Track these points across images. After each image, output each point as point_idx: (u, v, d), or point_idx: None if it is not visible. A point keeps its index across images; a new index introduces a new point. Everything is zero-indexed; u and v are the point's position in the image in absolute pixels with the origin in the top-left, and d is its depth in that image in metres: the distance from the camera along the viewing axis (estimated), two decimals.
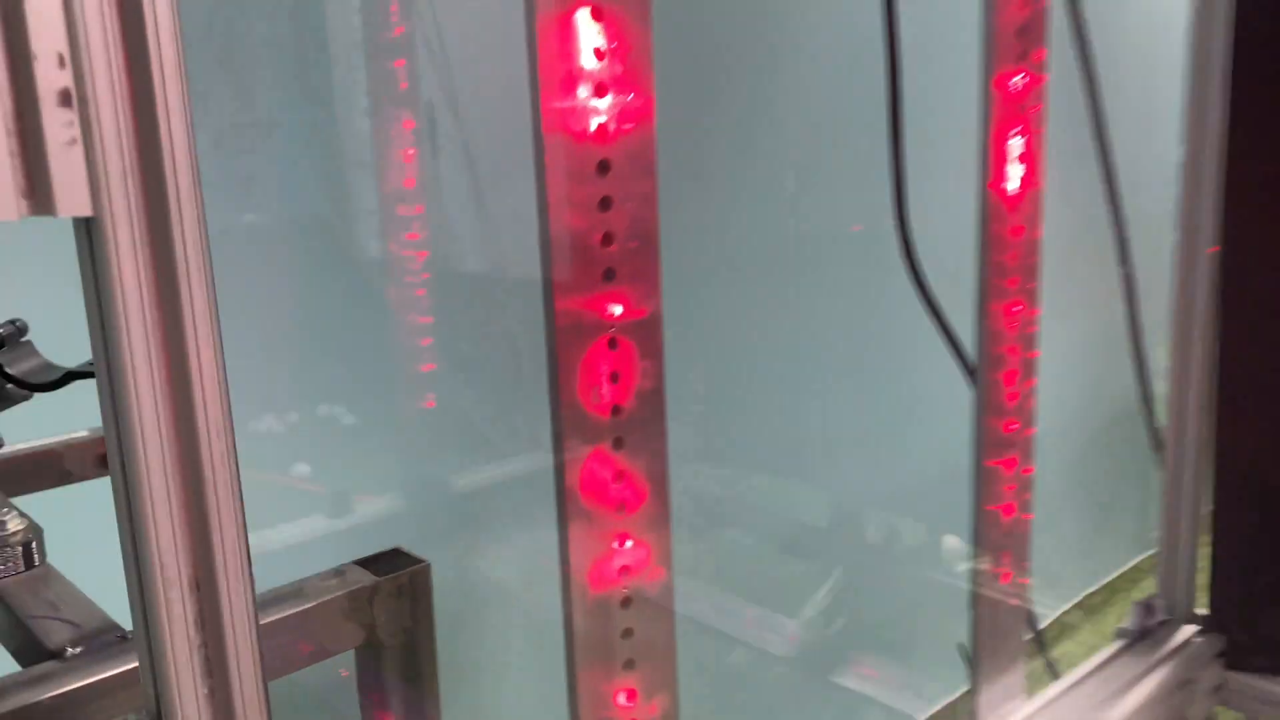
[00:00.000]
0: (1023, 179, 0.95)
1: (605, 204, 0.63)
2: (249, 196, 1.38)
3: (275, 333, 1.38)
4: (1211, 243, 1.16)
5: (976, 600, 1.03)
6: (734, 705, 1.61)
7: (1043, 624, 2.14)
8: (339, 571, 0.74)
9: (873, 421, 1.77)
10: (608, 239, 0.63)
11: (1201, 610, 1.23)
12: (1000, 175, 0.93)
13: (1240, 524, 1.20)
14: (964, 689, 1.88)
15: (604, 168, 0.62)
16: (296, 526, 1.42)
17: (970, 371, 0.99)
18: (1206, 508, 1.24)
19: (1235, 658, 1.21)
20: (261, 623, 0.70)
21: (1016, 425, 1.00)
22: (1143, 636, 1.19)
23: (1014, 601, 1.04)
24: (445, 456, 1.68)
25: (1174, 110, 1.19)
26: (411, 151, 1.52)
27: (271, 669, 0.71)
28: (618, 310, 0.65)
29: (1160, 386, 1.46)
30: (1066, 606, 2.39)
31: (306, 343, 1.45)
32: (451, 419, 1.65)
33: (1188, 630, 1.20)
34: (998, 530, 1.01)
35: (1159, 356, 1.74)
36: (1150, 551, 2.53)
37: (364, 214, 1.58)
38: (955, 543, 1.87)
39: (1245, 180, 1.15)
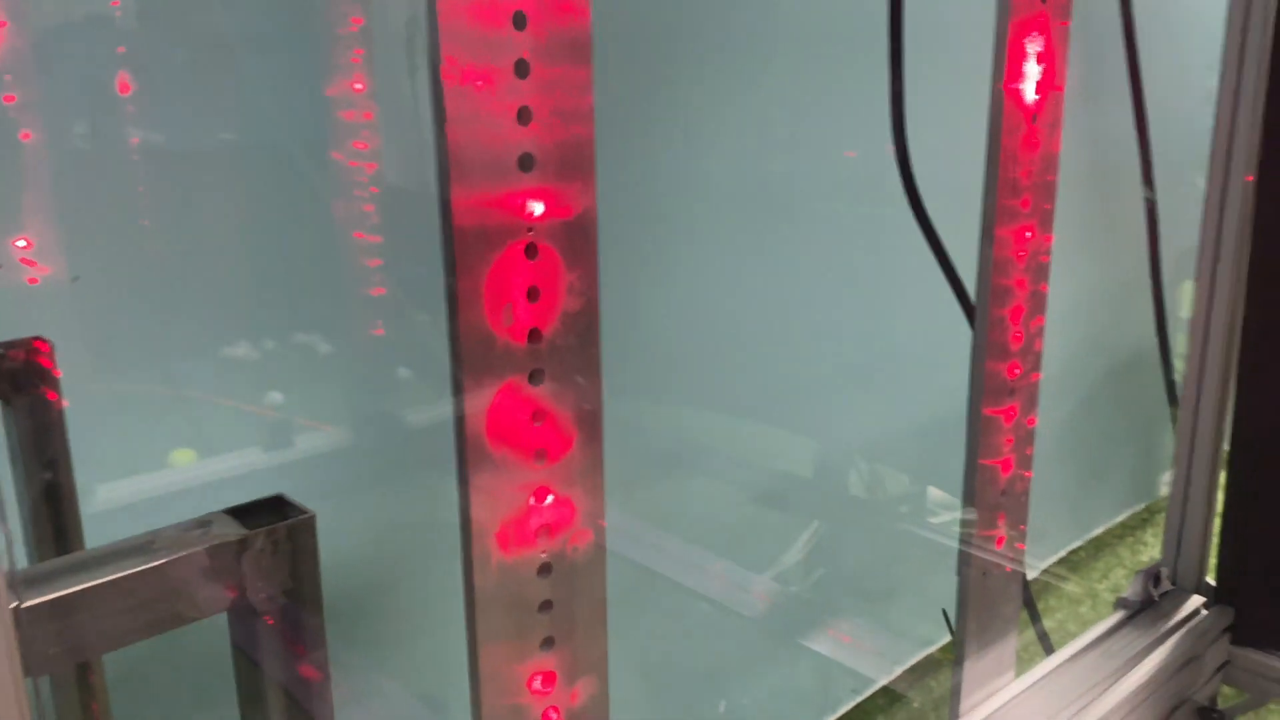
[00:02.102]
0: (1040, 82, 0.82)
1: (521, 69, 0.49)
2: (218, 104, 1.24)
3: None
4: (1247, 171, 1.03)
5: (965, 564, 0.91)
6: (697, 667, 1.51)
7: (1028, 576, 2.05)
8: (203, 522, 0.61)
9: (867, 363, 1.65)
10: (524, 115, 0.50)
11: (1211, 580, 1.12)
12: (1016, 74, 0.79)
13: (1257, 487, 1.09)
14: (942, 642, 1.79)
15: (519, 20, 0.49)
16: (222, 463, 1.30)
17: (970, 307, 0.86)
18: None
19: (1244, 632, 1.10)
20: (99, 581, 0.57)
21: (1020, 370, 0.87)
22: (1145, 607, 1.08)
23: (1008, 568, 0.93)
24: (399, 388, 1.56)
25: (1212, 30, 1.05)
26: (360, 51, 1.36)
27: (111, 637, 0.59)
28: (538, 209, 0.52)
29: (1177, 337, 1.34)
30: (1052, 561, 2.30)
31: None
32: (405, 347, 1.53)
33: (1195, 601, 1.09)
34: (994, 488, 0.89)
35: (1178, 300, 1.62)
36: (1140, 505, 2.44)
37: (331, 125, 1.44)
38: (942, 496, 1.77)
39: None
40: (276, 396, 1.36)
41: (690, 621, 1.53)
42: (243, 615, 0.62)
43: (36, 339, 0.94)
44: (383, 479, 1.43)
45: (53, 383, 0.95)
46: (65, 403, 0.94)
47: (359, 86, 1.41)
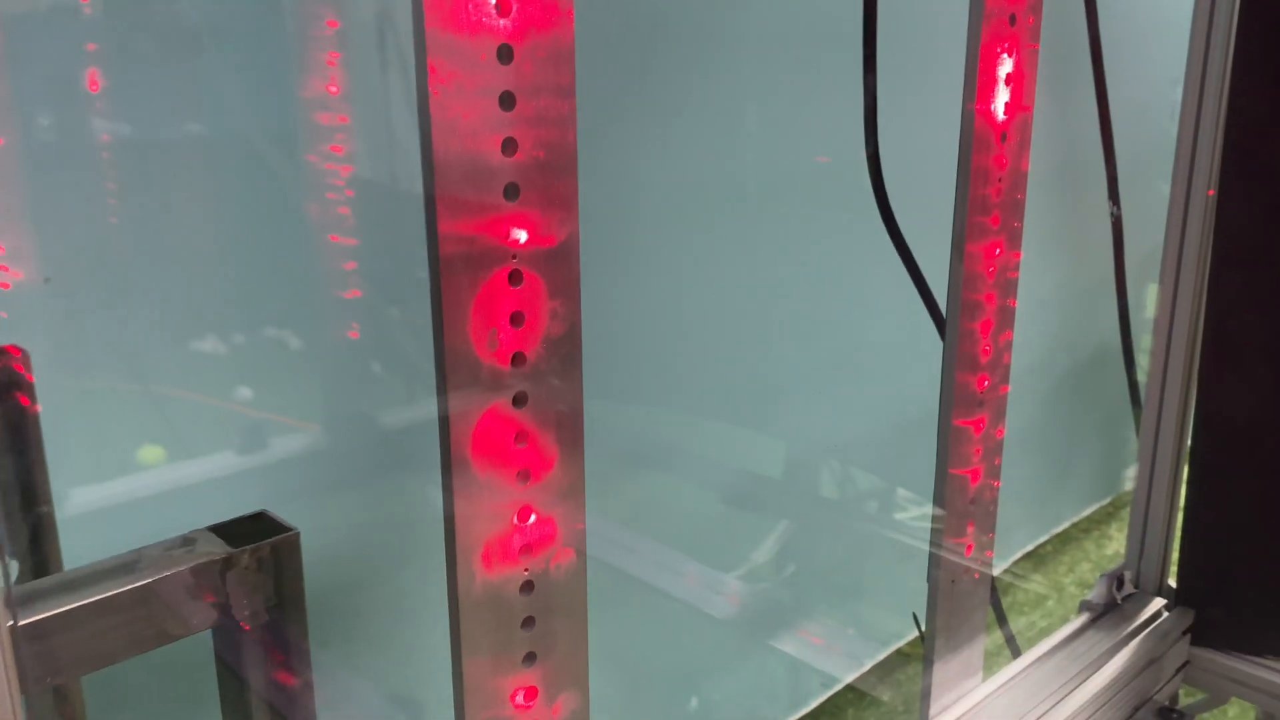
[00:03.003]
0: (1010, 103, 0.84)
1: (507, 101, 0.50)
2: (192, 105, 1.23)
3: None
4: (1209, 186, 1.05)
5: (935, 571, 0.93)
6: (667, 668, 1.53)
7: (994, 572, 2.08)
8: (187, 540, 0.62)
9: (832, 367, 1.67)
10: (510, 146, 0.51)
11: (1173, 582, 1.15)
12: (986, 95, 0.81)
13: (1218, 489, 1.12)
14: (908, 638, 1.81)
15: (505, 54, 0.50)
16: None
17: (940, 319, 0.88)
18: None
19: (1203, 633, 1.13)
20: (89, 600, 0.58)
21: (989, 382, 0.90)
22: (1108, 610, 1.10)
23: (976, 575, 0.95)
24: (373, 390, 1.56)
25: (1174, 44, 1.08)
26: (335, 54, 1.36)
27: (99, 655, 0.59)
28: (522, 236, 0.53)
29: (1141, 337, 1.37)
30: (1018, 556, 2.33)
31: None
32: (379, 350, 1.53)
33: (1156, 604, 1.12)
34: (963, 497, 0.91)
35: (1141, 305, 1.65)
36: (1106, 500, 2.48)
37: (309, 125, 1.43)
38: (911, 498, 1.79)
39: (1247, 122, 1.04)
40: (245, 393, 1.36)
41: (661, 621, 1.55)
42: (228, 632, 0.62)
43: (10, 345, 0.94)
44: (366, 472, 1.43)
45: (27, 389, 0.95)
46: (39, 408, 0.94)
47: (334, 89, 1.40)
